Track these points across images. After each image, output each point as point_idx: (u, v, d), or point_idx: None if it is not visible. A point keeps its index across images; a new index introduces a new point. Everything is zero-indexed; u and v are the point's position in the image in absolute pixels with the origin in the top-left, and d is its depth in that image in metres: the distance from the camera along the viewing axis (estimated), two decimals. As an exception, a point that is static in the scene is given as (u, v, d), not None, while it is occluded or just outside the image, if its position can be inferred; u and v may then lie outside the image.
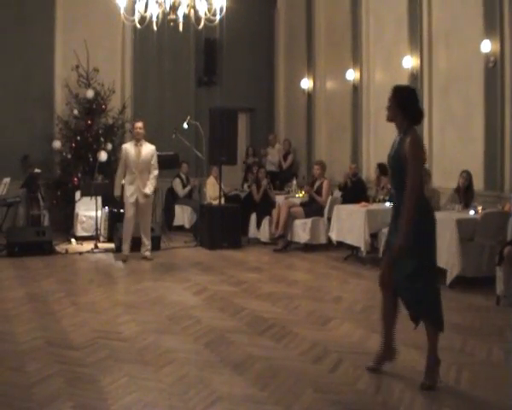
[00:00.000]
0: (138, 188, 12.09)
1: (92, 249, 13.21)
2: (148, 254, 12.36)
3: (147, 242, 12.38)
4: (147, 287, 10.03)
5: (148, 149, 12.26)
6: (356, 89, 15.48)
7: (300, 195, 14.39)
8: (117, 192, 12.37)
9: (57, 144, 15.89)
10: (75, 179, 15.40)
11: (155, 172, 12.28)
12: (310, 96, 17.50)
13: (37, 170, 14.43)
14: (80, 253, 13.01)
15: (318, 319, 7.96)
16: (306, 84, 17.52)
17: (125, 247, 12.28)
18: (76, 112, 15.98)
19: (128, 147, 12.31)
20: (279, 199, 14.37)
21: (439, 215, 10.18)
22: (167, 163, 14.91)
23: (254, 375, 5.95)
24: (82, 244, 13.81)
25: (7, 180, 14.07)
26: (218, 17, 10.85)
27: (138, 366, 6.25)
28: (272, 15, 19.02)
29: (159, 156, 14.46)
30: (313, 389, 5.58)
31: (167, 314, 8.30)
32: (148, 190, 12.16)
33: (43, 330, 7.48)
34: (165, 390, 5.58)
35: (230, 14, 11.75)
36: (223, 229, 13.76)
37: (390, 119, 5.80)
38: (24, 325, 7.75)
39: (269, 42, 19.05)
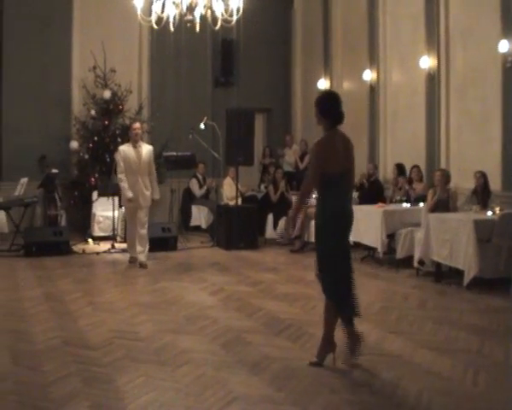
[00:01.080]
0: (141, 190, 11.59)
1: (109, 249, 13.25)
2: (143, 258, 11.72)
3: (141, 248, 11.72)
4: (163, 287, 10.05)
5: (146, 149, 11.78)
6: (373, 89, 15.44)
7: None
8: (129, 194, 11.53)
9: (74, 145, 15.94)
10: (92, 180, 15.43)
11: (155, 174, 11.98)
12: (326, 96, 17.44)
13: (54, 170, 14.50)
14: (97, 253, 13.05)
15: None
16: (323, 84, 17.48)
17: (132, 252, 11.98)
18: (93, 112, 16.02)
19: (126, 149, 11.70)
20: (295, 200, 14.32)
21: (456, 216, 10.25)
22: (184, 163, 14.97)
23: (271, 375, 5.95)
24: (99, 244, 13.86)
25: (24, 180, 14.15)
26: (234, 18, 10.86)
27: (155, 365, 6.27)
28: (289, 16, 19.00)
29: (175, 156, 14.53)
30: (329, 389, 5.57)
31: (184, 314, 8.31)
32: (157, 194, 11.87)
33: (60, 330, 7.51)
34: (182, 390, 5.58)
35: (247, 15, 11.75)
36: (239, 229, 13.78)
37: (318, 124, 6.34)
38: (41, 324, 7.79)
39: (286, 42, 19.03)
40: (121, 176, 11.66)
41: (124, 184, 11.62)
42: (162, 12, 10.76)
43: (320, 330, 7.23)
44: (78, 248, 13.44)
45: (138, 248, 11.71)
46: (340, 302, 6.23)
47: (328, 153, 6.10)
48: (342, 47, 16.88)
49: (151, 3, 11.04)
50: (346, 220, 6.28)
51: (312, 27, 18.10)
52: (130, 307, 8.77)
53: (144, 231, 11.73)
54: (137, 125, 11.95)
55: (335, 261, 6.22)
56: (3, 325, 7.80)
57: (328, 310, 6.31)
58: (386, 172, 14.76)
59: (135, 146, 11.65)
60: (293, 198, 14.33)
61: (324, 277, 6.28)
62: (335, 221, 6.13)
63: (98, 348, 6.84)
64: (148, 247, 11.82)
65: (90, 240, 14.20)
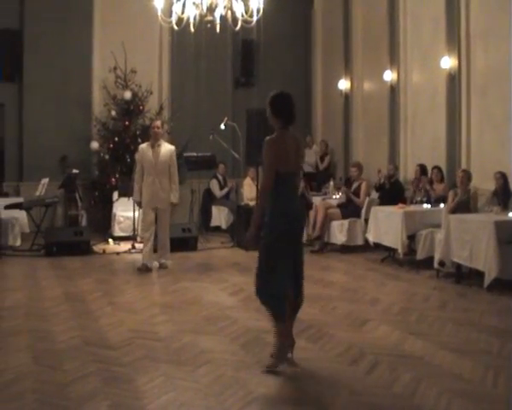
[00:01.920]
0: (157, 192, 11.26)
1: (129, 250, 13.29)
2: (163, 260, 11.61)
3: (161, 251, 11.61)
4: (183, 287, 10.06)
5: (166, 149, 11.38)
6: (393, 89, 15.38)
7: (338, 196, 14.27)
8: (136, 198, 11.52)
9: (95, 145, 16.04)
10: (113, 180, 15.51)
11: (176, 178, 11.41)
12: (347, 96, 17.44)
13: (75, 171, 14.58)
14: (117, 253, 13.10)
15: (355, 321, 7.92)
16: (343, 84, 17.46)
17: (146, 255, 11.47)
18: (114, 113, 16.10)
19: (145, 148, 11.42)
20: (316, 200, 14.32)
21: (477, 217, 10.19)
22: (204, 164, 15.00)
23: (290, 376, 5.94)
24: (119, 244, 13.91)
25: (45, 181, 14.25)
26: (254, 18, 10.87)
27: (174, 366, 6.28)
28: (309, 16, 18.98)
29: (196, 157, 14.52)
30: (349, 391, 5.55)
31: (204, 315, 8.31)
32: (175, 198, 11.37)
33: (81, 330, 7.55)
34: (201, 390, 5.59)
35: (267, 16, 11.75)
36: (260, 229, 13.72)
37: (271, 124, 6.40)
38: (62, 324, 7.84)
39: (306, 43, 19.01)
40: (134, 176, 11.68)
41: (134, 185, 11.57)
42: (182, 13, 10.79)
43: (340, 332, 7.28)
44: (98, 248, 13.50)
45: (158, 252, 11.63)
46: (271, 302, 6.17)
47: (279, 152, 6.12)
48: (363, 47, 16.84)
49: (171, 4, 11.08)
50: (294, 220, 6.18)
51: (333, 27, 18.07)
52: (150, 307, 8.79)
53: (163, 235, 11.55)
54: (157, 123, 11.70)
55: (275, 261, 6.12)
56: (25, 324, 7.85)
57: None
58: (406, 172, 14.71)
59: (153, 145, 11.34)
60: (314, 199, 14.35)
61: (260, 274, 6.23)
62: (282, 221, 6.09)
63: (118, 347, 6.87)
64: (168, 248, 11.68)
65: (110, 240, 14.25)
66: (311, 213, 13.63)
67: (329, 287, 9.98)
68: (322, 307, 8.62)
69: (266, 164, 6.17)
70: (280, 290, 6.09)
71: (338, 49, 17.77)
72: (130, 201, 13.57)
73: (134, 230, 13.94)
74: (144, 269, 11.33)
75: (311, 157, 17.55)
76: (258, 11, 10.88)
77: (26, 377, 5.94)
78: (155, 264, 11.60)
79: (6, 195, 15.20)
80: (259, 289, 6.23)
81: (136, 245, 13.49)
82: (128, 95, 16.05)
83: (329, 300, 9.03)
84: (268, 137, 6.20)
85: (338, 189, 14.70)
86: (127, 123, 15.95)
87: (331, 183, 15.27)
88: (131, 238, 13.83)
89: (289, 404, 5.29)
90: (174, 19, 10.95)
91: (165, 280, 10.90)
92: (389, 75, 15.45)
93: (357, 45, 16.98)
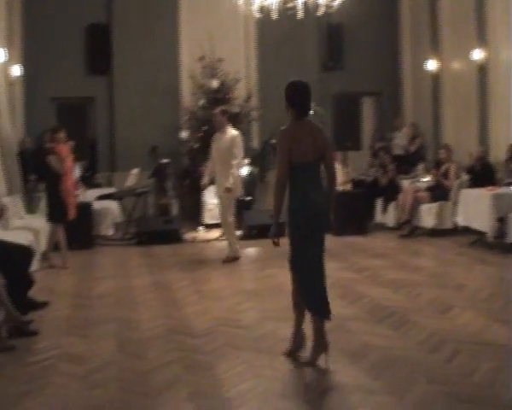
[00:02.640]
0: (218, 179, 11.27)
1: (219, 237, 13.41)
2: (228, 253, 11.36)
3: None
4: (270, 274, 10.06)
5: (229, 136, 11.23)
6: (483, 69, 15.00)
7: (427, 179, 14.04)
8: (203, 180, 11.69)
9: (184, 134, 16.24)
10: (202, 168, 15.63)
11: (234, 162, 11.05)
12: (435, 77, 17.11)
13: (165, 160, 14.82)
14: (207, 241, 13.25)
15: (439, 307, 7.78)
16: (432, 65, 17.14)
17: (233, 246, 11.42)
18: (202, 102, 16.25)
19: (215, 136, 11.51)
20: (405, 184, 14.15)
21: None
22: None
23: (369, 364, 5.91)
24: (209, 232, 14.05)
25: (136, 171, 14.52)
26: (337, 2, 10.80)
27: (255, 353, 6.35)
28: (396, -4, 18.67)
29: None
30: (427, 379, 5.47)
31: (288, 302, 8.20)
32: (228, 183, 11.00)
33: (166, 318, 7.71)
34: (280, 379, 5.64)
35: (353, -2, 11.61)
36: (348, 215, 13.64)
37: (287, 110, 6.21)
38: (148, 312, 8.02)
39: (393, 24, 18.64)
40: (209, 161, 11.70)
41: (206, 170, 11.71)
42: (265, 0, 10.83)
43: (423, 318, 7.20)
44: (188, 236, 13.69)
45: None
46: (311, 297, 6.15)
47: (291, 142, 5.95)
48: (450, 26, 16.46)
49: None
50: (312, 215, 5.99)
51: (420, 7, 17.73)
52: (236, 294, 8.89)
53: (223, 220, 11.43)
54: (216, 110, 11.70)
55: (303, 254, 6.09)
56: (112, 312, 8.08)
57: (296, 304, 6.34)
58: (497, 154, 14.35)
59: (220, 131, 11.37)
60: (403, 183, 14.19)
61: (295, 268, 6.23)
62: (299, 214, 5.99)
63: (201, 335, 6.98)
64: (231, 238, 11.42)
65: (200, 228, 14.43)
66: (400, 197, 13.48)
67: (416, 272, 9.85)
68: (407, 294, 8.53)
69: (278, 155, 6.02)
70: (314, 286, 6.12)
71: (425, 29, 17.41)
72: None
73: (223, 217, 14.06)
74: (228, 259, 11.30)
75: (400, 139, 17.32)
76: (339, -5, 10.80)
77: (110, 364, 6.13)
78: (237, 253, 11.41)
79: (99, 185, 15.58)
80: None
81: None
82: (215, 83, 16.17)
83: (415, 286, 8.91)
84: (281, 128, 6.09)
85: (427, 171, 14.48)
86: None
87: (421, 166, 15.05)
88: (221, 226, 13.95)
89: (365, 393, 5.26)
90: (256, 6, 10.98)
91: (252, 267, 11.01)
92: (478, 54, 15.07)
93: (445, 25, 16.59)
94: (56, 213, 10.86)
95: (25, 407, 5.23)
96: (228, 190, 11.03)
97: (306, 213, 5.95)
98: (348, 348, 6.37)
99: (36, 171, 13.22)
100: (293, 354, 6.19)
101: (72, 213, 10.95)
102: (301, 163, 5.94)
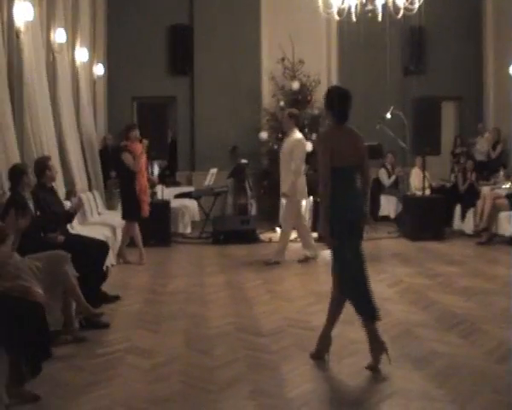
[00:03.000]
0: (281, 183, 11.23)
1: (295, 239, 13.41)
2: (307, 252, 11.41)
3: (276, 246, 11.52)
4: (343, 277, 10.05)
5: (292, 140, 11.03)
6: None
7: (508, 185, 13.77)
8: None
9: (264, 135, 16.34)
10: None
11: (292, 167, 10.85)
12: (519, 82, 16.73)
13: (243, 160, 14.92)
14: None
15: (510, 318, 7.63)
16: (516, 69, 16.76)
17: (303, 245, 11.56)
18: (282, 103, 16.32)
19: (284, 138, 11.43)
20: (485, 190, 13.91)
21: None
22: (371, 153, 14.83)
23: (434, 371, 5.84)
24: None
25: (214, 171, 14.69)
26: (416, 5, 10.70)
27: (321, 355, 6.35)
28: (479, 0, 18.32)
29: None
30: (491, 389, 5.38)
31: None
32: (284, 188, 11.07)
33: (236, 316, 7.78)
34: (342, 381, 5.65)
35: (434, 1, 11.53)
36: (426, 220, 13.51)
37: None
38: (218, 310, 8.12)
39: (476, 27, 18.29)
40: None
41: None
42: (342, 3, 10.80)
43: (494, 328, 7.06)
44: (264, 236, 13.74)
45: None
46: (358, 301, 6.14)
47: (329, 146, 5.97)
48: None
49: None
50: (352, 218, 6.03)
51: (504, 10, 17.35)
52: (307, 296, 8.90)
53: (282, 223, 11.48)
54: (285, 112, 11.65)
55: (346, 259, 6.12)
56: (184, 309, 8.21)
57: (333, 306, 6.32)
58: None
59: (287, 135, 11.33)
60: (483, 189, 13.93)
61: (340, 274, 6.23)
62: (340, 218, 5.97)
63: (268, 335, 7.03)
64: (281, 244, 11.39)
65: (277, 229, 14.46)
66: (479, 204, 13.24)
67: (491, 281, 9.65)
68: (479, 302, 8.37)
69: (320, 157, 6.01)
70: (362, 290, 6.16)
71: (509, 33, 17.01)
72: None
73: (300, 219, 14.08)
74: (304, 259, 11.37)
75: (482, 145, 17.04)
76: (419, -2, 10.69)
77: (176, 359, 6.24)
78: (313, 254, 11.42)
79: (178, 184, 15.81)
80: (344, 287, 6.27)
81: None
82: (296, 85, 16.24)
83: (488, 294, 8.75)
84: (320, 134, 6.12)
85: (508, 178, 14.18)
86: (295, 113, 16.11)
87: (501, 172, 14.76)
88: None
89: (428, 399, 5.22)
90: (335, 9, 10.98)
91: (325, 270, 10.93)
92: None
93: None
94: (131, 210, 11.03)
95: (90, 396, 5.37)
96: (284, 195, 11.13)
97: (343, 219, 5.98)
98: (414, 354, 6.32)
99: (115, 168, 13.48)
100: (318, 355, 6.23)
101: (146, 211, 11.10)
102: (341, 168, 5.96)
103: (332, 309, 6.31)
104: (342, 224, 5.98)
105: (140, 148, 10.98)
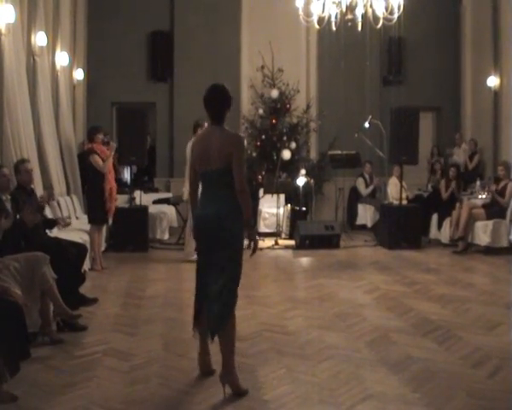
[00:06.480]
0: None
1: (273, 246, 13.50)
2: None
3: None
4: (320, 284, 10.15)
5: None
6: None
7: (483, 195, 13.88)
8: None
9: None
10: (259, 177, 15.78)
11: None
12: (496, 94, 16.91)
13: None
14: (261, 249, 13.30)
15: (486, 324, 7.71)
16: (493, 81, 16.93)
17: None
18: (261, 111, 16.41)
19: None
20: (462, 200, 14.02)
21: None
22: (349, 162, 15.07)
23: (409, 376, 5.91)
24: (264, 240, 14.09)
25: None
26: (396, 15, 10.80)
27: (297, 359, 6.41)
28: (458, 12, 18.46)
29: (339, 155, 14.65)
30: (467, 393, 5.45)
31: (335, 311, 8.37)
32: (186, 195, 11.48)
33: (213, 321, 7.78)
34: (318, 385, 5.68)
35: (414, 13, 11.66)
36: (402, 229, 13.63)
37: None
38: (195, 314, 8.11)
39: (454, 39, 18.48)
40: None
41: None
42: (323, 12, 10.89)
43: (469, 334, 7.14)
44: (244, 243, 13.71)
45: None
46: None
47: (194, 150, 5.76)
48: (513, 43, 16.27)
49: (311, 4, 11.19)
50: (202, 228, 5.70)
51: (481, 23, 17.51)
52: (284, 301, 8.95)
53: None
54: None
55: (197, 267, 5.91)
56: (160, 313, 8.25)
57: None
58: None
59: None
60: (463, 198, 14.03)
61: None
62: (194, 226, 5.84)
63: (246, 339, 7.06)
64: None
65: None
66: (454, 213, 13.35)
67: (466, 289, 9.76)
68: (454, 309, 8.47)
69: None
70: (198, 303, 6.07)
71: (487, 46, 17.21)
72: (275, 198, 13.89)
73: (278, 226, 14.16)
74: None
75: (459, 156, 17.22)
76: (399, 8, 10.79)
77: (153, 362, 6.28)
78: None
79: (156, 190, 15.81)
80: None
81: (280, 241, 13.71)
82: (275, 93, 16.32)
83: (464, 301, 8.85)
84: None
85: (483, 188, 14.31)
86: (274, 121, 16.21)
87: (478, 182, 14.90)
88: (276, 234, 14.04)
89: (403, 403, 5.27)
90: (315, 18, 11.06)
91: (303, 276, 11.07)
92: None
93: (507, 41, 16.40)
94: (97, 214, 11.04)
95: (68, 397, 5.39)
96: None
97: (197, 225, 5.78)
98: (390, 359, 6.39)
99: (81, 171, 13.51)
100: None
101: (112, 212, 11.16)
102: (203, 172, 5.64)
103: None
104: (195, 234, 5.85)
105: (105, 150, 11.00)
